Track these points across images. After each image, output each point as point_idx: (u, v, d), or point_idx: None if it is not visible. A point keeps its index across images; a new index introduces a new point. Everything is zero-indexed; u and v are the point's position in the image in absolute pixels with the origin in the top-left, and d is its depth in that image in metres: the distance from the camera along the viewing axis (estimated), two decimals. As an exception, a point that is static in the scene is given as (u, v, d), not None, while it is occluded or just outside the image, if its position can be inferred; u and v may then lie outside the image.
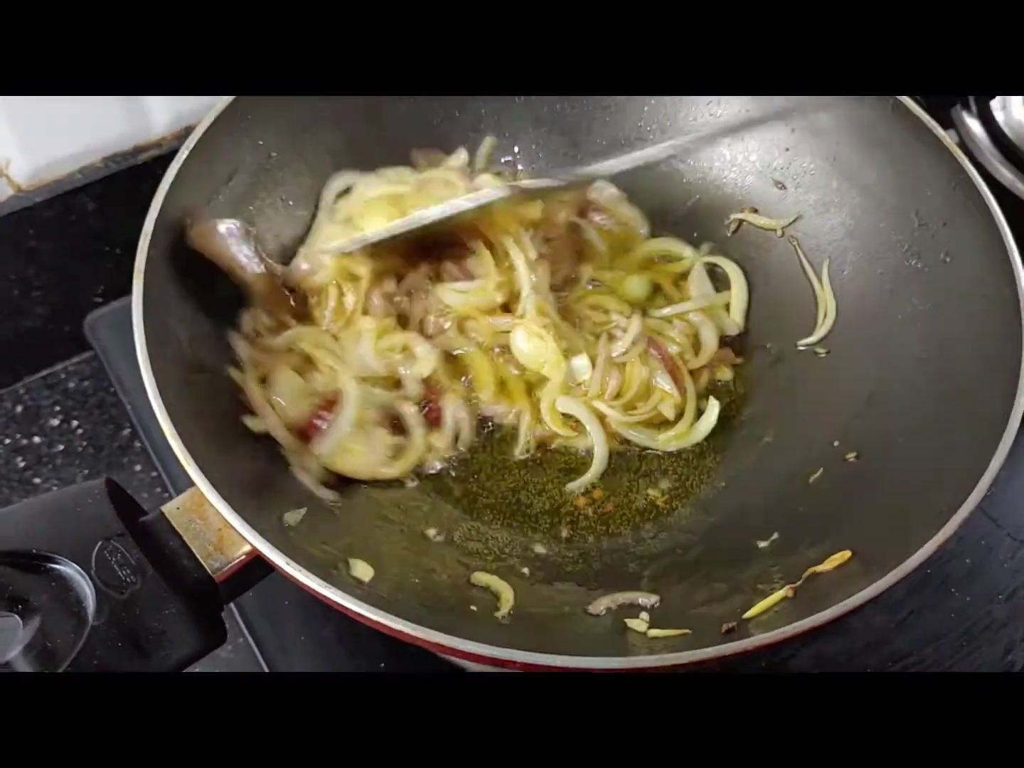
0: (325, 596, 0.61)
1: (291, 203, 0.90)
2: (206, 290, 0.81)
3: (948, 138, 0.82)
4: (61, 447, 1.14)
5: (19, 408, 1.16)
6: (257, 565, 0.67)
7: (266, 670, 0.86)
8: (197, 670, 0.64)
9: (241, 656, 0.91)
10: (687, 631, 0.69)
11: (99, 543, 0.63)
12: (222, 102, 0.82)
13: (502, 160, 1.01)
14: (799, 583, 0.70)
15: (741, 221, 0.97)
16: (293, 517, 0.72)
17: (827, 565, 0.71)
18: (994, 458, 0.66)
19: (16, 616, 0.61)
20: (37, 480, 1.11)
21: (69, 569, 0.62)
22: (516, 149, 1.00)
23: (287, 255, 0.89)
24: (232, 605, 0.88)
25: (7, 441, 1.14)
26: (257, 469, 0.74)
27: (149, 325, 0.72)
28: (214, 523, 0.67)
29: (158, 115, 1.08)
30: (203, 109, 1.07)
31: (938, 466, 0.73)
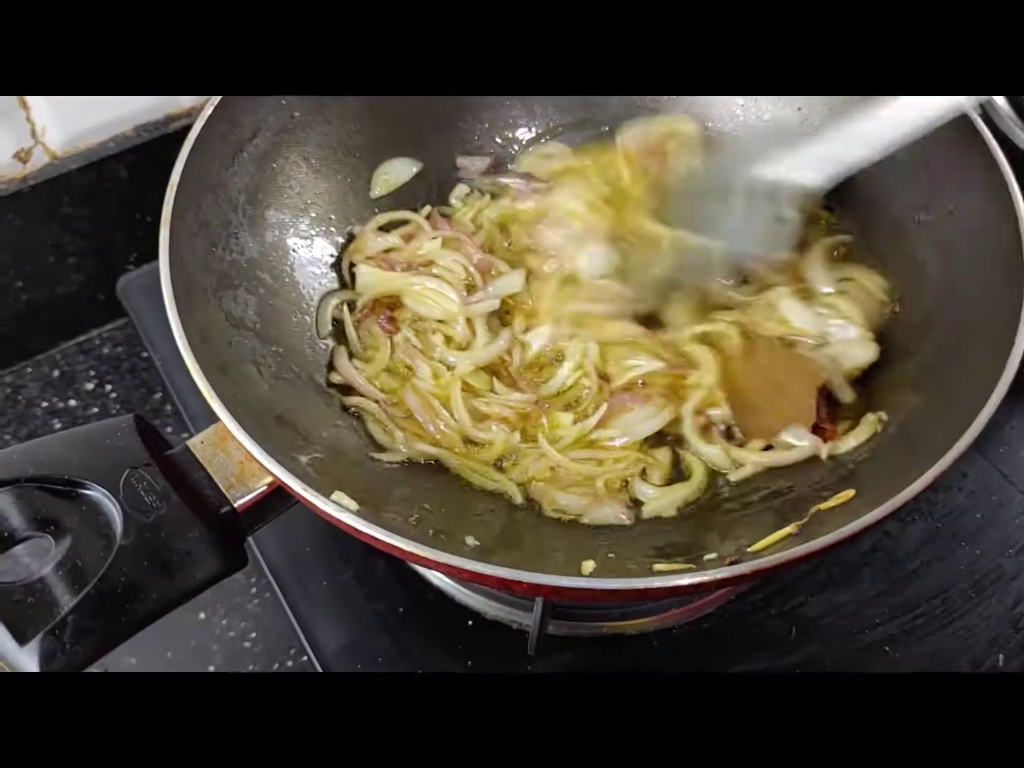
0: (338, 519, 0.63)
1: (313, 161, 0.92)
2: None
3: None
4: (95, 410, 1.18)
5: (56, 372, 1.20)
6: (276, 497, 0.70)
7: (290, 614, 0.89)
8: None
9: (267, 602, 0.95)
10: (691, 566, 0.71)
11: (127, 471, 0.66)
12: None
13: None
14: (804, 520, 0.72)
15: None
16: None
17: (832, 503, 0.73)
18: (994, 392, 0.67)
19: (49, 536, 0.64)
20: (72, 441, 1.15)
21: (98, 494, 0.65)
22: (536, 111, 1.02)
23: (307, 211, 0.92)
24: (258, 552, 0.91)
25: (44, 404, 1.18)
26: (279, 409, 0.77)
27: (176, 272, 0.75)
28: (236, 456, 0.70)
29: (188, 85, 1.11)
30: (232, 80, 1.12)
31: (942, 407, 0.74)
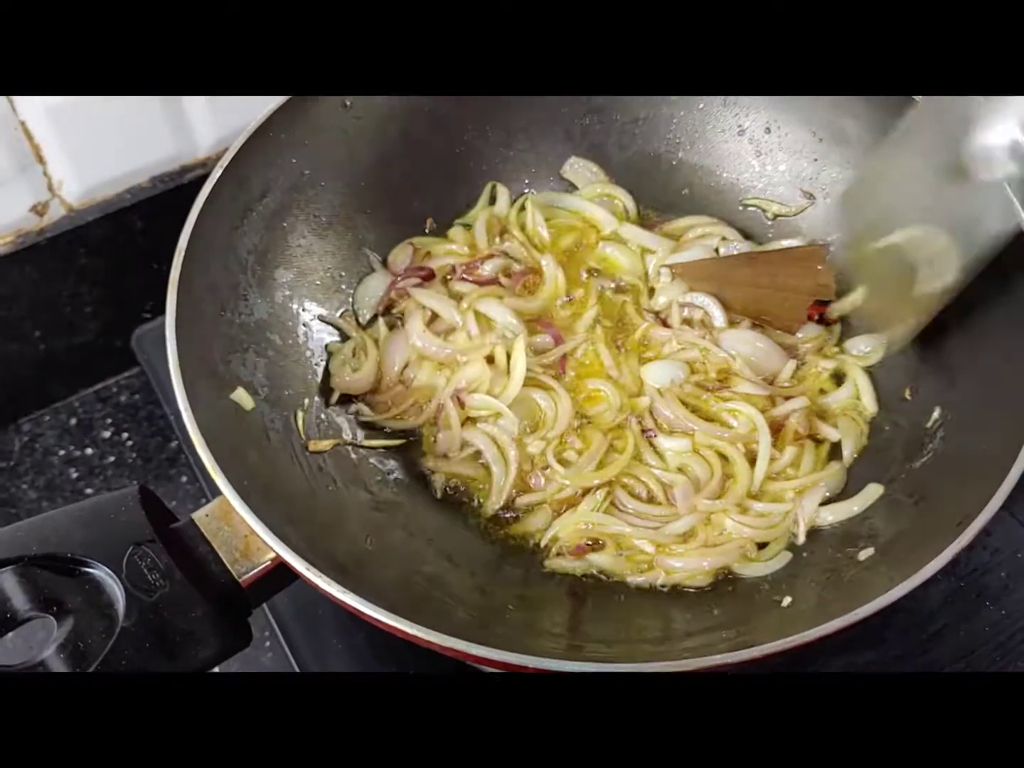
0: (343, 602, 0.63)
1: (323, 219, 0.92)
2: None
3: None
4: (112, 458, 1.18)
5: (73, 420, 1.21)
6: (282, 571, 0.69)
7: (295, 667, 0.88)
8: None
9: (278, 661, 0.94)
10: None
11: (130, 548, 0.66)
12: (256, 120, 0.85)
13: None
14: None
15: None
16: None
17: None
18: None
19: (51, 617, 0.64)
20: (89, 491, 1.15)
21: (101, 573, 0.65)
22: (543, 168, 1.02)
23: (316, 264, 0.93)
24: (267, 611, 0.91)
25: (61, 452, 1.18)
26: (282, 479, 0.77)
27: (183, 338, 0.75)
28: (241, 530, 0.69)
29: (203, 136, 1.11)
30: (246, 130, 1.12)
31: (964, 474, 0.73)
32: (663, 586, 0.80)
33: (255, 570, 0.68)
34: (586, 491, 0.84)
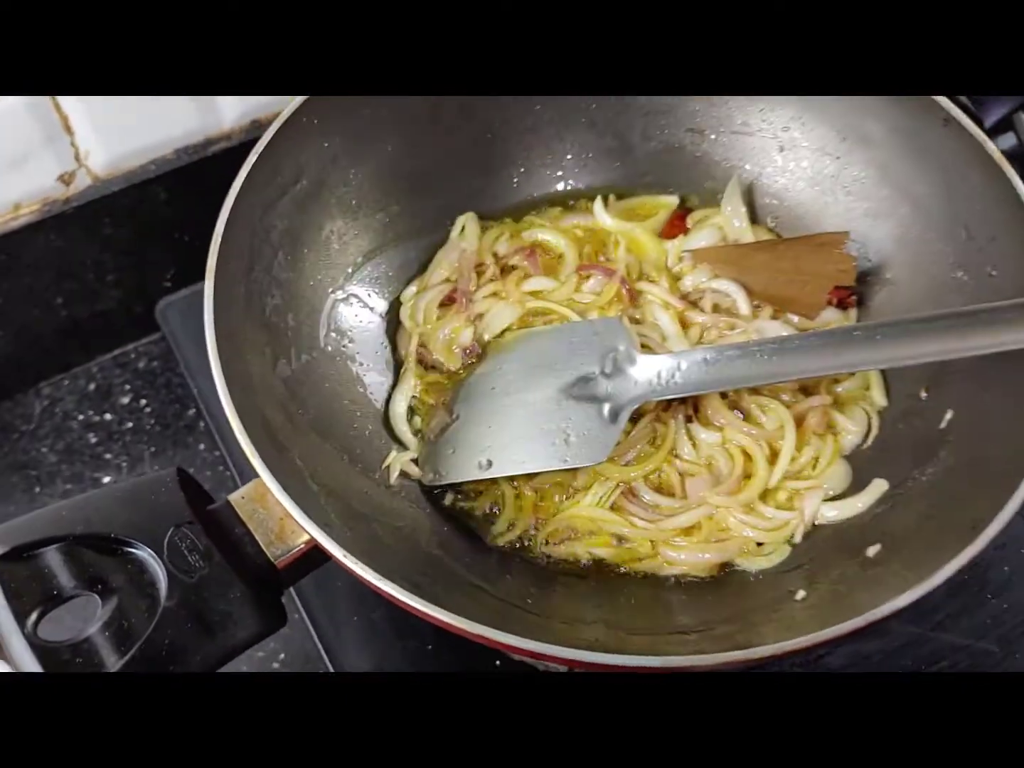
0: (379, 588, 0.65)
1: (354, 203, 0.93)
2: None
3: (999, 153, 0.83)
4: (130, 424, 1.20)
5: (92, 386, 1.22)
6: (315, 553, 0.71)
7: (320, 648, 0.91)
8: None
9: (298, 635, 0.96)
10: None
11: (171, 529, 0.68)
12: (289, 107, 0.86)
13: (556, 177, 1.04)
14: None
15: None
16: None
17: None
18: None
19: (96, 596, 0.66)
20: (108, 456, 1.17)
21: (143, 553, 0.67)
22: (568, 156, 1.03)
23: (346, 253, 0.94)
24: (292, 593, 0.93)
25: (80, 417, 1.20)
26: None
27: (219, 321, 0.76)
28: (276, 512, 0.71)
29: (227, 110, 1.12)
30: (270, 103, 1.13)
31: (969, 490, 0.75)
32: (667, 577, 0.83)
33: (290, 552, 0.71)
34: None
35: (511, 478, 0.86)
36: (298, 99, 0.85)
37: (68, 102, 1.02)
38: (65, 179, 1.09)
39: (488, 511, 0.87)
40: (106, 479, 1.14)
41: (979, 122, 0.88)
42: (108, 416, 1.20)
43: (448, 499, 0.88)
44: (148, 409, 1.21)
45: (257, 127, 1.15)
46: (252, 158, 0.82)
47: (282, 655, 1.02)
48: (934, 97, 0.85)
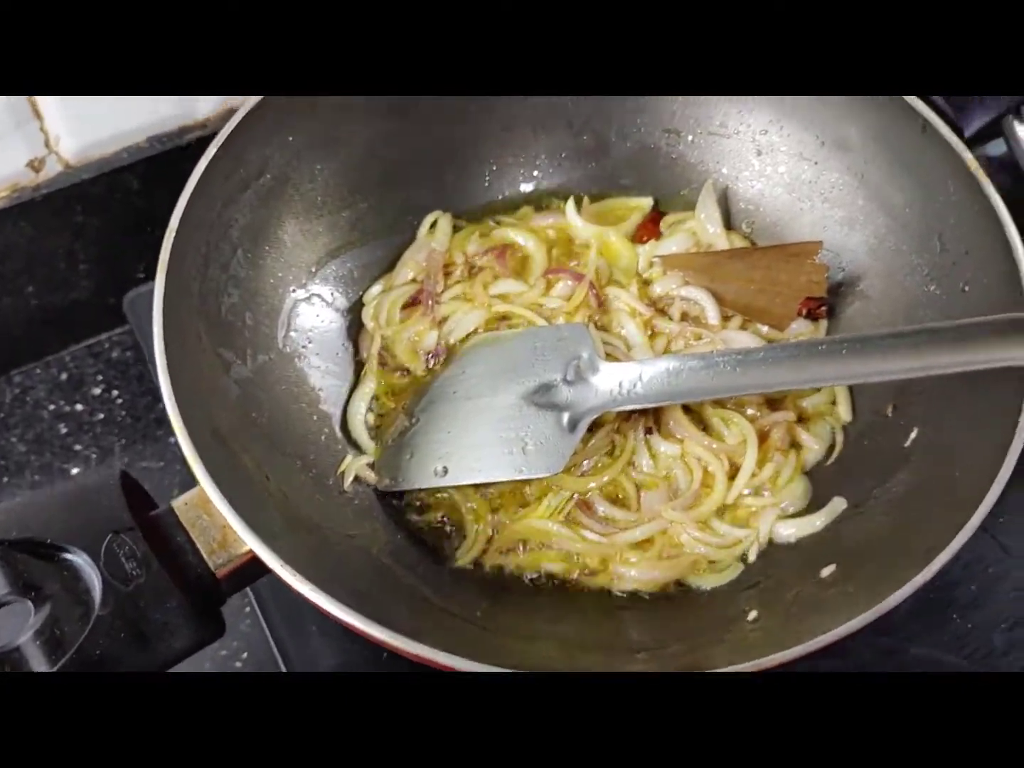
0: (315, 602, 0.64)
1: (320, 199, 0.92)
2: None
3: (976, 163, 0.81)
4: (101, 416, 1.18)
5: (64, 375, 1.21)
6: (258, 562, 0.70)
7: (278, 657, 0.89)
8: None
9: (256, 645, 0.95)
10: None
11: (109, 536, 0.67)
12: (252, 99, 0.84)
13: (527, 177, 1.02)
14: None
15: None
16: None
17: None
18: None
19: (29, 602, 0.65)
20: (78, 447, 1.15)
21: (80, 559, 0.66)
22: (543, 156, 1.01)
23: (309, 250, 0.92)
24: (250, 593, 0.91)
25: (51, 407, 1.19)
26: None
27: (169, 320, 0.75)
28: (219, 520, 0.69)
29: (203, 98, 1.10)
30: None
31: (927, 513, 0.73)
32: (619, 592, 0.82)
33: (231, 561, 0.69)
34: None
35: (465, 494, 0.84)
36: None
37: (36, 87, 1.00)
38: (35, 165, 1.07)
39: (439, 521, 0.86)
40: (75, 470, 1.13)
41: (959, 131, 0.86)
42: (79, 407, 1.19)
43: (402, 510, 0.86)
44: (119, 400, 1.20)
45: (232, 116, 1.13)
46: (211, 150, 0.81)
47: (244, 654, 1.01)
48: (912, 103, 0.83)
